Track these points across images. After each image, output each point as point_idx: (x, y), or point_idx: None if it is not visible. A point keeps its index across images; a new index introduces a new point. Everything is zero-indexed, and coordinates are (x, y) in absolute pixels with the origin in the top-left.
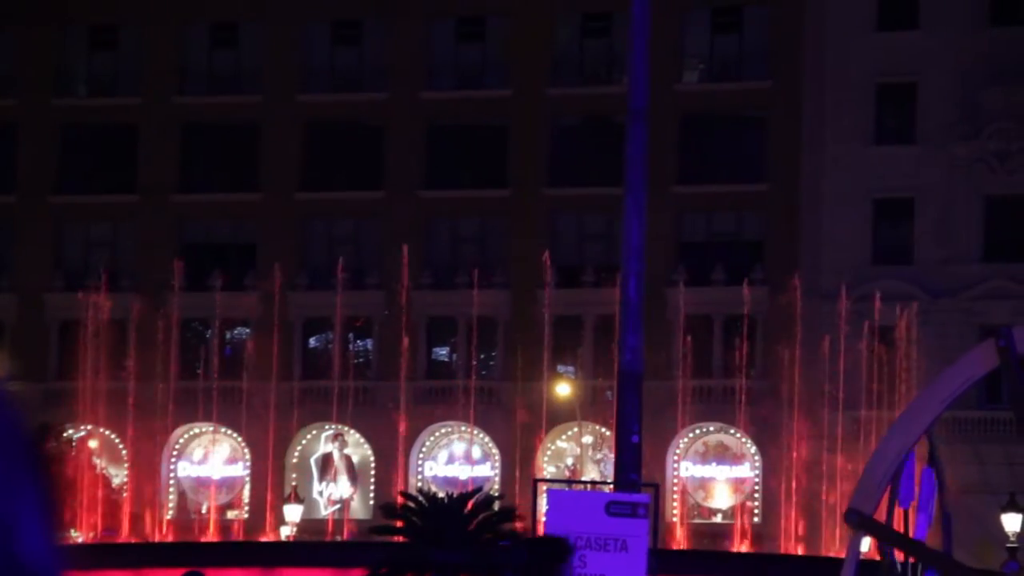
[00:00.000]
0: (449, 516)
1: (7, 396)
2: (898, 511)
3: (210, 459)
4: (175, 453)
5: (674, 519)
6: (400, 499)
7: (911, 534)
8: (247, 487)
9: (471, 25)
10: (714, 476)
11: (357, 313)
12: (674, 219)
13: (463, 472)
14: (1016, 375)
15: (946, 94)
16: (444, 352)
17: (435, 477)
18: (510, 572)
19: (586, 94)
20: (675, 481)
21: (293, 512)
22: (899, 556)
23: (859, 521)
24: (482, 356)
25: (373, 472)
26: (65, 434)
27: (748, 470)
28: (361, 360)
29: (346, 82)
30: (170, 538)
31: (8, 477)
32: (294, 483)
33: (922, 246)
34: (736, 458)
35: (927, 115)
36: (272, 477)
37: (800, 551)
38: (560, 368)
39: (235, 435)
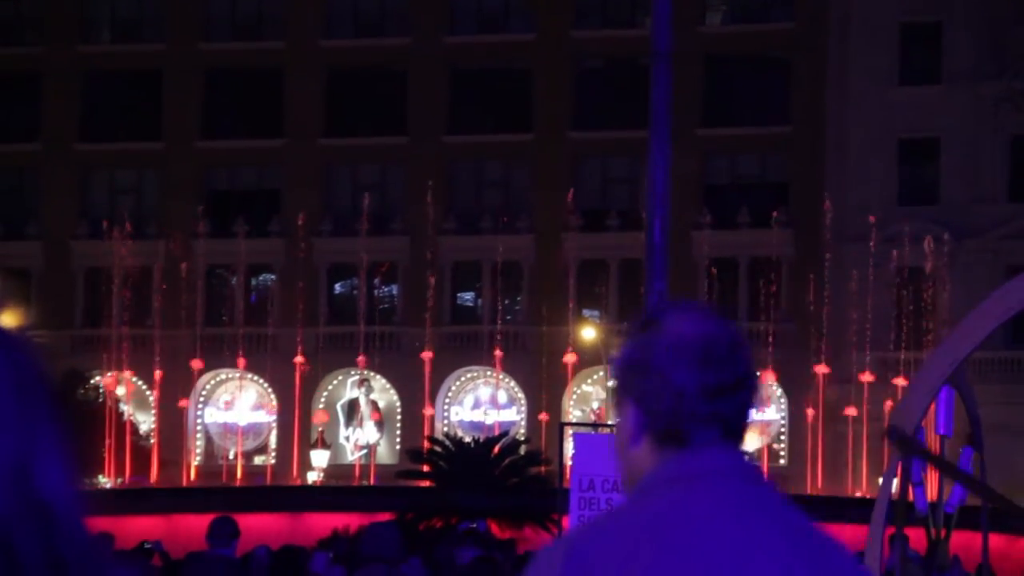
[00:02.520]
0: (475, 460)
1: (25, 340)
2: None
3: (236, 405)
4: (201, 399)
5: None
6: (426, 444)
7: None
8: (273, 433)
9: None
10: None
11: (382, 258)
12: (699, 162)
13: (489, 417)
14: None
15: (971, 33)
16: (469, 297)
17: (461, 422)
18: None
19: (610, 37)
20: None
21: (320, 458)
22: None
23: (900, 439)
24: (507, 301)
25: (399, 417)
26: (92, 381)
27: (774, 413)
28: (386, 305)
29: (369, 27)
30: (197, 484)
31: (26, 418)
32: (320, 429)
33: (948, 186)
34: (762, 401)
35: (952, 55)
36: (299, 423)
37: (826, 493)
38: (585, 312)
39: (261, 381)
